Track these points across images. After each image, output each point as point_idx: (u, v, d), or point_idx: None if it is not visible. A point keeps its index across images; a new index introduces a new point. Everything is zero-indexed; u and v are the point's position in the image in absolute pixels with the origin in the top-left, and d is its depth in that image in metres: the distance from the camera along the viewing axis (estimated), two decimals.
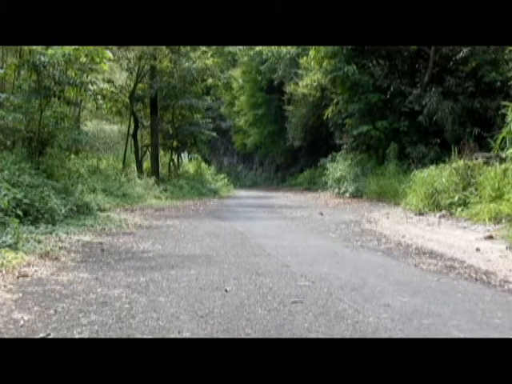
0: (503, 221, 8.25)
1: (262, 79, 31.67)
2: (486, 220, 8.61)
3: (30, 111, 10.40)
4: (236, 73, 30.41)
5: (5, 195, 7.20)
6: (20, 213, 7.30)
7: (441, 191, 10.92)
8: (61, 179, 10.10)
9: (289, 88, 26.01)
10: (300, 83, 24.37)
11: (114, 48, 15.55)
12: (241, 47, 23.66)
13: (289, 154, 32.75)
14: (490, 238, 7.28)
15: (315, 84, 22.66)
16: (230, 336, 3.10)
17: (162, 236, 7.87)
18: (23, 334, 3.13)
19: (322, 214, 11.88)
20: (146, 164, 21.68)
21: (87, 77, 11.69)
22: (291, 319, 3.48)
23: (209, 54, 20.47)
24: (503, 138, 10.36)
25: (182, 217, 11.29)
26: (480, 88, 16.33)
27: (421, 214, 10.82)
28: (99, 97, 13.63)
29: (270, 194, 23.52)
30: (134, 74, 19.59)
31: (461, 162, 11.08)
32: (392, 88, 17.69)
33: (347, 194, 17.92)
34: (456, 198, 10.30)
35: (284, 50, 26.85)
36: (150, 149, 21.32)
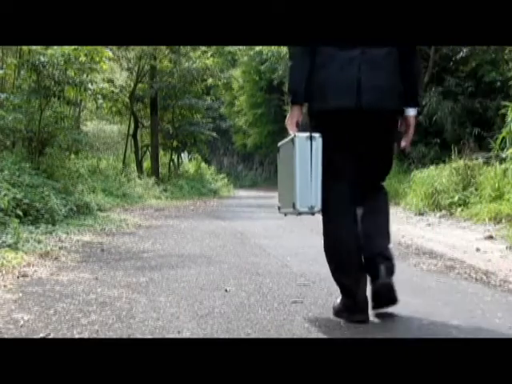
0: (503, 221, 8.24)
1: (261, 79, 31.66)
2: (486, 220, 8.60)
3: (30, 111, 10.40)
4: (236, 73, 30.41)
5: (5, 195, 7.20)
6: (20, 213, 7.29)
7: (441, 191, 10.91)
8: (61, 179, 10.09)
9: None
10: None
11: (114, 48, 15.56)
12: (241, 47, 23.65)
13: None
14: (490, 238, 7.28)
15: None
16: (230, 336, 3.10)
17: (162, 236, 7.87)
18: (23, 334, 3.13)
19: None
20: (146, 164, 21.68)
21: (87, 76, 11.70)
22: (291, 319, 3.48)
23: (209, 54, 20.51)
24: (503, 137, 10.35)
25: (181, 217, 11.29)
26: (480, 88, 16.31)
27: (421, 213, 10.81)
28: (99, 96, 13.65)
29: (270, 194, 23.49)
30: (134, 73, 19.59)
31: (461, 162, 11.07)
32: None
33: None
34: (456, 198, 10.29)
35: (284, 50, 26.82)
36: (149, 149, 21.33)
